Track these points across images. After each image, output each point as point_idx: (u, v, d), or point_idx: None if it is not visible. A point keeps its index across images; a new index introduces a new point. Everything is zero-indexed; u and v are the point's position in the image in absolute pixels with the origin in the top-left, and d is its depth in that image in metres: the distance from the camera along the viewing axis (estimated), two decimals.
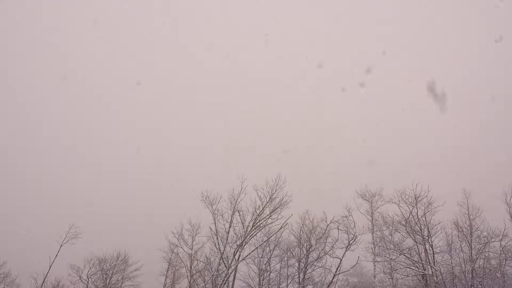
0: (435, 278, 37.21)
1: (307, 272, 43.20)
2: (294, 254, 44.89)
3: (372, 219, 44.89)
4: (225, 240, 41.17)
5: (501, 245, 38.34)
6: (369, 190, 46.31)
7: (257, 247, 43.92)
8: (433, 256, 38.60)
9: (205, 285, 42.36)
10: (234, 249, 40.60)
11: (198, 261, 44.75)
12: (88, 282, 48.35)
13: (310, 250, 43.65)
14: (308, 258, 43.54)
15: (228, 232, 41.59)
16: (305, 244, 44.13)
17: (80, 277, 48.54)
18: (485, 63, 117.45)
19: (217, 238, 41.43)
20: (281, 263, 45.64)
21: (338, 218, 42.95)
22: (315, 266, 43.48)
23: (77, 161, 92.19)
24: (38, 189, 75.52)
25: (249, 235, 41.39)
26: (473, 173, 70.12)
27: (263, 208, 41.70)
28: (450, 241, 40.68)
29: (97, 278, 49.12)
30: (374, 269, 43.46)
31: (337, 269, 41.16)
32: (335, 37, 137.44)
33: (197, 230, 46.28)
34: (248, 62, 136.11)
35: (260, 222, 41.71)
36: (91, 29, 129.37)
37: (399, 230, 41.69)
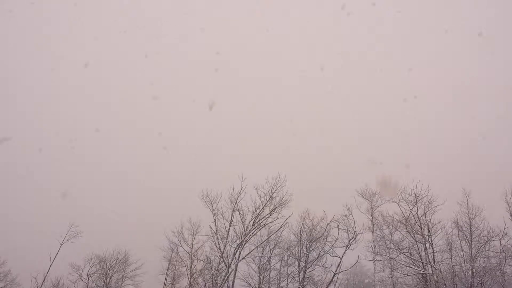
0: (435, 277, 37.18)
1: (307, 271, 43.21)
2: (294, 253, 44.91)
3: (372, 218, 44.84)
4: (225, 239, 41.22)
5: (501, 244, 38.27)
6: (369, 189, 46.31)
7: (257, 246, 44.00)
8: (433, 255, 38.57)
9: (205, 284, 42.30)
10: (234, 248, 40.69)
11: (198, 260, 44.71)
12: (88, 281, 48.37)
13: (310, 249, 43.65)
14: (308, 257, 43.55)
15: (228, 231, 41.67)
16: (305, 243, 44.14)
17: (80, 276, 48.58)
18: (485, 63, 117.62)
19: (217, 237, 41.49)
20: (281, 262, 45.69)
21: (338, 217, 42.91)
22: (315, 265, 43.51)
23: (77, 161, 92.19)
24: (38, 189, 75.51)
25: (249, 234, 41.44)
26: (473, 173, 70.11)
27: (263, 207, 41.79)
28: (450, 240, 40.65)
29: (97, 277, 49.15)
30: (374, 268, 43.42)
31: (337, 268, 41.14)
32: (334, 38, 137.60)
33: (197, 229, 46.30)
34: (247, 62, 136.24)
35: (260, 221, 41.78)
36: (91, 29, 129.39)
37: (399, 229, 41.67)
